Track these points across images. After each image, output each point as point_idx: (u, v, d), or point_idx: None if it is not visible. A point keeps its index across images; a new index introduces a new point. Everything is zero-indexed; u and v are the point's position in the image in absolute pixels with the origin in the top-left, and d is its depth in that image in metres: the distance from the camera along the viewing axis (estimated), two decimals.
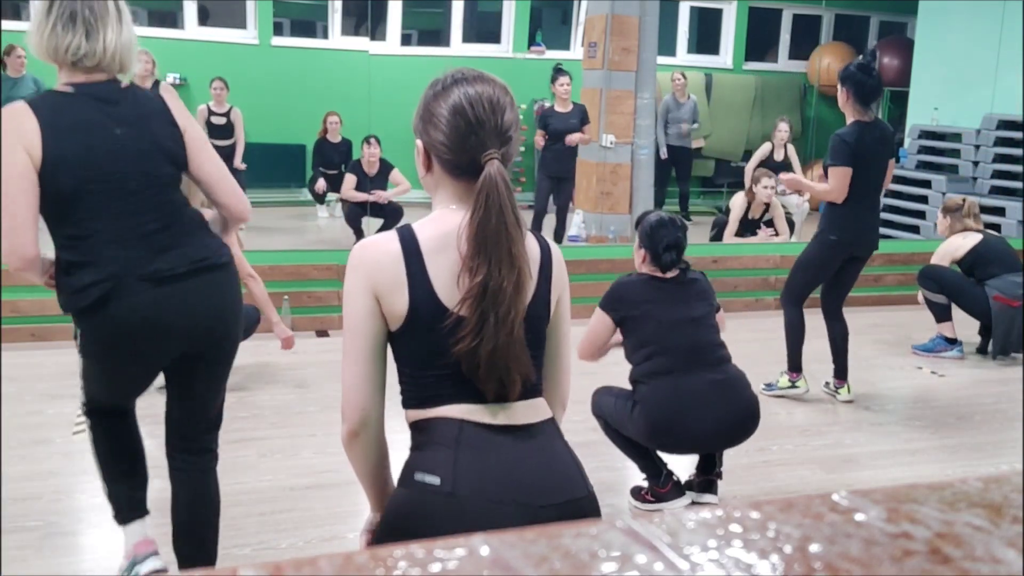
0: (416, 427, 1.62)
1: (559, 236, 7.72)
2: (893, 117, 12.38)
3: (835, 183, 4.32)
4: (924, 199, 9.30)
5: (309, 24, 11.61)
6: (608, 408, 3.38)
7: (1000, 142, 8.86)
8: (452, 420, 1.57)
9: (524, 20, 11.17)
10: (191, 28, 10.05)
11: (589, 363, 3.46)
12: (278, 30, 10.63)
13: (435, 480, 1.53)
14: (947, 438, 4.29)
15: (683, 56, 11.74)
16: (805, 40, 12.62)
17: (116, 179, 2.22)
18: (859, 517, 0.50)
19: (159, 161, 2.29)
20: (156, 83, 7.72)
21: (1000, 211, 8.47)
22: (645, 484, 3.46)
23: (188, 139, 2.34)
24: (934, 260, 5.60)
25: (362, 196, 7.81)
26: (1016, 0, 8.55)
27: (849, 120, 4.35)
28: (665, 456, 3.39)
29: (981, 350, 5.67)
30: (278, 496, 3.37)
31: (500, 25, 11.33)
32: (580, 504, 1.60)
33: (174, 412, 2.51)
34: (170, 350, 2.35)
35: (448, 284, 1.57)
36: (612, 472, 3.72)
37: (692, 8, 12.07)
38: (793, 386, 4.59)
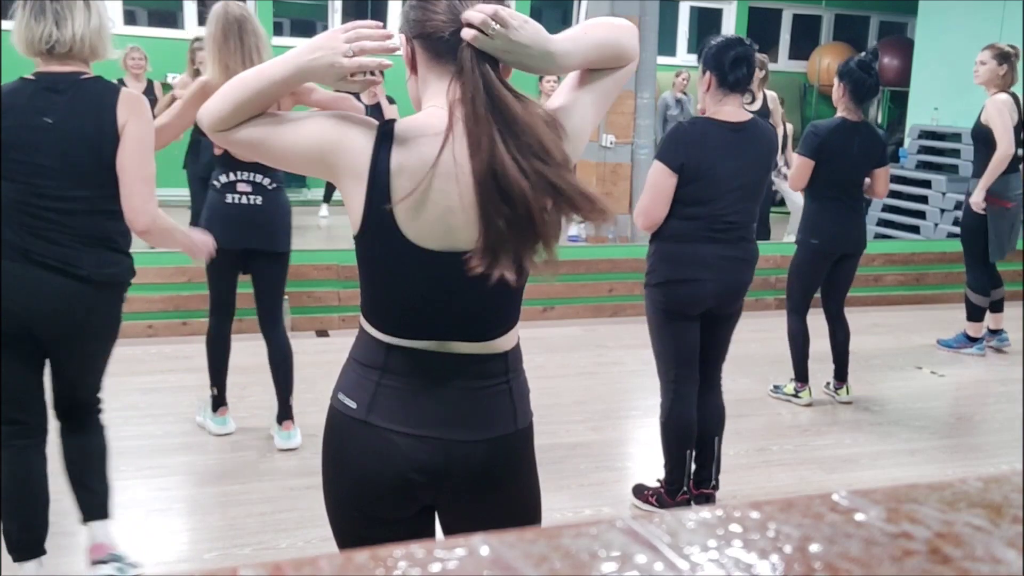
0: (359, 332, 1.58)
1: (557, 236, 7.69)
2: (893, 117, 12.39)
3: (794, 171, 4.41)
4: (924, 199, 9.30)
5: (309, 24, 11.61)
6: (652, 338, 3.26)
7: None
8: (382, 342, 1.52)
9: None
10: (191, 28, 10.05)
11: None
12: (278, 30, 10.62)
13: (352, 404, 1.54)
14: (947, 438, 4.29)
15: (683, 56, 11.74)
16: (805, 40, 12.63)
17: (28, 159, 2.40)
18: (859, 517, 0.50)
19: (79, 155, 2.42)
20: (150, 83, 7.61)
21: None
22: (649, 485, 3.46)
23: (125, 135, 2.43)
24: (993, 116, 5.23)
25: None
26: (1016, 0, 8.55)
27: (837, 115, 4.37)
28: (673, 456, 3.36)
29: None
30: (278, 496, 3.37)
31: None
32: (504, 441, 1.56)
33: (54, 387, 2.69)
34: (20, 325, 2.49)
35: (411, 207, 1.41)
36: (612, 472, 3.72)
37: (692, 8, 12.08)
38: (796, 395, 4.59)
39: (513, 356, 1.59)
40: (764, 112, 7.17)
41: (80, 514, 2.74)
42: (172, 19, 10.52)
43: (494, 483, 1.58)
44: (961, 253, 6.71)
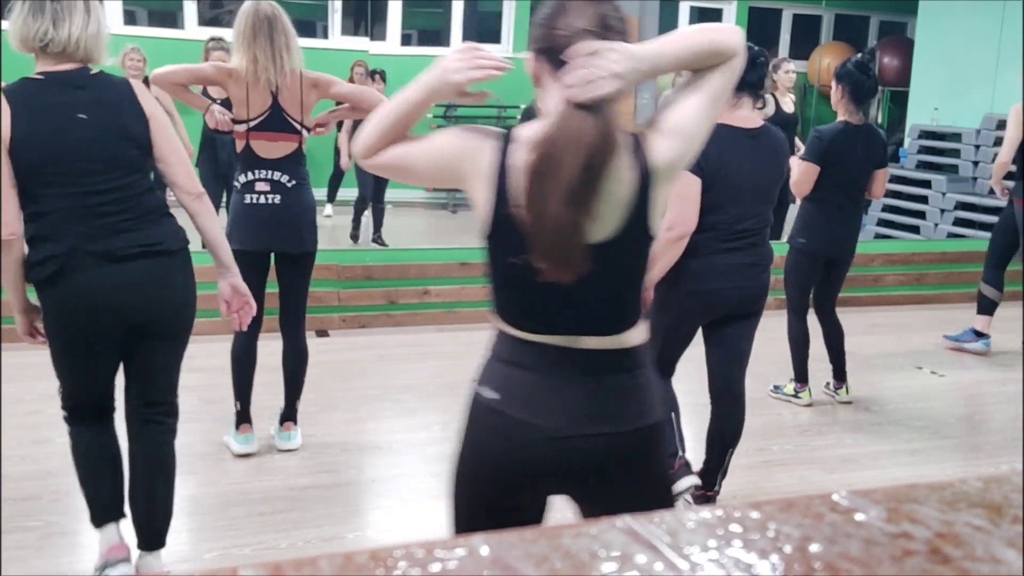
0: (494, 332, 1.66)
1: None
2: (893, 117, 12.39)
3: (798, 177, 4.33)
4: (924, 199, 9.30)
5: (309, 24, 11.61)
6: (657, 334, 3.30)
7: (1000, 142, 8.84)
8: (515, 338, 1.61)
9: (524, 20, 11.16)
10: (191, 28, 10.05)
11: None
12: None
13: (492, 395, 1.61)
14: (947, 438, 4.29)
15: None
16: (805, 40, 12.63)
17: (76, 160, 2.41)
18: (859, 517, 0.50)
19: (122, 145, 2.46)
20: (146, 79, 7.67)
21: (1000, 211, 8.47)
22: None
23: (153, 125, 2.51)
24: (1008, 123, 5.47)
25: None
26: (1016, 0, 8.55)
27: (838, 119, 4.35)
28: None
29: None
30: (278, 496, 3.37)
31: (500, 25, 11.33)
32: (632, 435, 1.62)
33: (131, 386, 2.67)
34: (117, 325, 2.51)
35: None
36: None
37: (692, 8, 12.08)
38: (796, 395, 4.59)
39: (642, 351, 1.66)
40: (785, 117, 7.09)
41: (137, 539, 2.70)
42: (172, 19, 10.52)
43: (621, 476, 1.64)
44: (961, 253, 6.78)
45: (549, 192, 1.46)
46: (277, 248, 3.59)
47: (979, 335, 5.68)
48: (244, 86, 3.42)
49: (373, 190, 8.16)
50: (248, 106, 3.45)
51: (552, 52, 1.55)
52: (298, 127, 3.52)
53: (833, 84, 4.32)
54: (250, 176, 3.50)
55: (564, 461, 1.60)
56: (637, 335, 1.64)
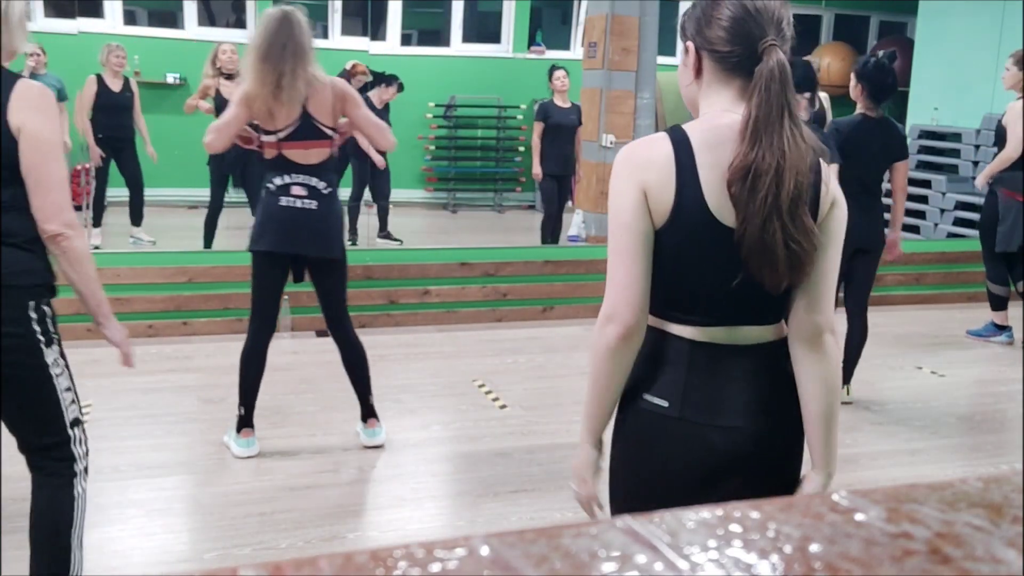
0: (651, 334, 1.63)
1: (557, 236, 7.71)
2: (893, 117, 12.38)
3: None
4: (924, 199, 9.29)
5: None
6: None
7: (1000, 142, 8.85)
8: (684, 340, 1.58)
9: (524, 20, 11.17)
10: (191, 28, 10.05)
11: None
12: None
13: (663, 403, 1.58)
14: (947, 438, 4.29)
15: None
16: (805, 40, 12.61)
17: None
18: (859, 517, 0.50)
19: None
20: (127, 80, 7.69)
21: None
22: None
23: (23, 141, 2.15)
24: (1010, 120, 5.56)
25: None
26: (1016, 0, 8.55)
27: (857, 111, 4.38)
28: None
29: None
30: (278, 496, 3.37)
31: (500, 25, 11.33)
32: (796, 426, 1.64)
33: (11, 433, 2.39)
34: None
35: (718, 191, 1.53)
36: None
37: None
38: None
39: (787, 345, 1.66)
40: (821, 114, 7.10)
41: None
42: (172, 19, 10.52)
43: (792, 468, 1.68)
44: (960, 253, 6.80)
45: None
46: (307, 252, 3.60)
47: (1000, 328, 5.82)
48: (266, 105, 3.41)
49: (375, 189, 8.14)
50: (274, 119, 3.43)
51: (720, 55, 1.57)
52: (329, 132, 3.52)
53: (852, 79, 4.35)
54: (286, 179, 3.50)
55: (743, 460, 1.59)
56: (784, 324, 1.65)
